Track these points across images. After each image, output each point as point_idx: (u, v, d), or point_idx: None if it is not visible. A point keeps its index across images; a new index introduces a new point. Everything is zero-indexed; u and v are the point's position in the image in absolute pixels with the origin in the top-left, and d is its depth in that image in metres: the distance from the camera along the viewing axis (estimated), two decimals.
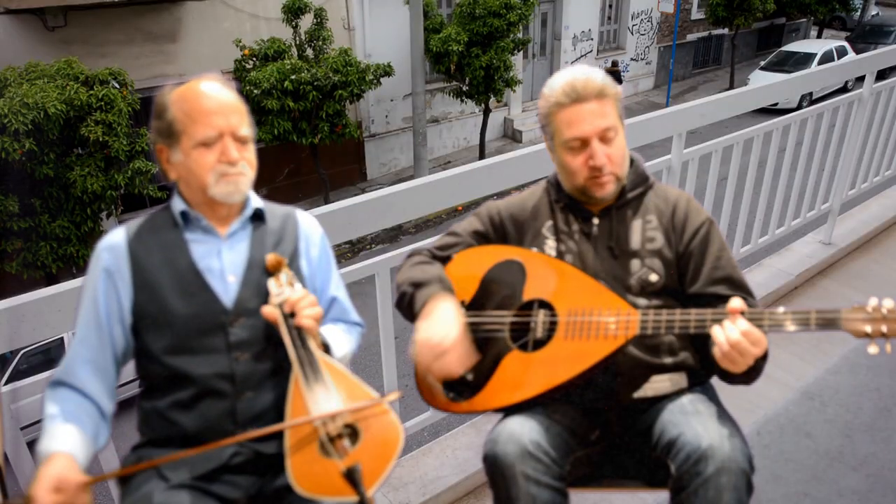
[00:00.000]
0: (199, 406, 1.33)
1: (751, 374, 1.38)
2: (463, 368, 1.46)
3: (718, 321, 1.32)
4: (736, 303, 1.29)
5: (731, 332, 1.27)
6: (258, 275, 1.39)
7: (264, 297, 1.36)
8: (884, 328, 1.20)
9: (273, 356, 1.38)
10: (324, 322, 1.47)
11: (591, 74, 1.47)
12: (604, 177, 1.47)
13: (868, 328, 1.21)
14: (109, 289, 1.34)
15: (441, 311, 1.46)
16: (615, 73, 16.37)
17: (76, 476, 1.20)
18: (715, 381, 1.59)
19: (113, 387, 1.37)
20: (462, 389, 1.51)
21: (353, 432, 1.26)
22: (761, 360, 1.34)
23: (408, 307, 1.55)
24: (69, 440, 1.25)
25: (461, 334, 1.45)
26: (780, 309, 1.30)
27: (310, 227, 1.53)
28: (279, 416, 1.33)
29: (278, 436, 1.31)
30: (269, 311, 1.32)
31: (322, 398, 1.28)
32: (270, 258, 1.37)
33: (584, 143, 1.46)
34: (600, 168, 1.46)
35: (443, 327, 1.43)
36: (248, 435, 1.29)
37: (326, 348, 1.41)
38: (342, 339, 1.49)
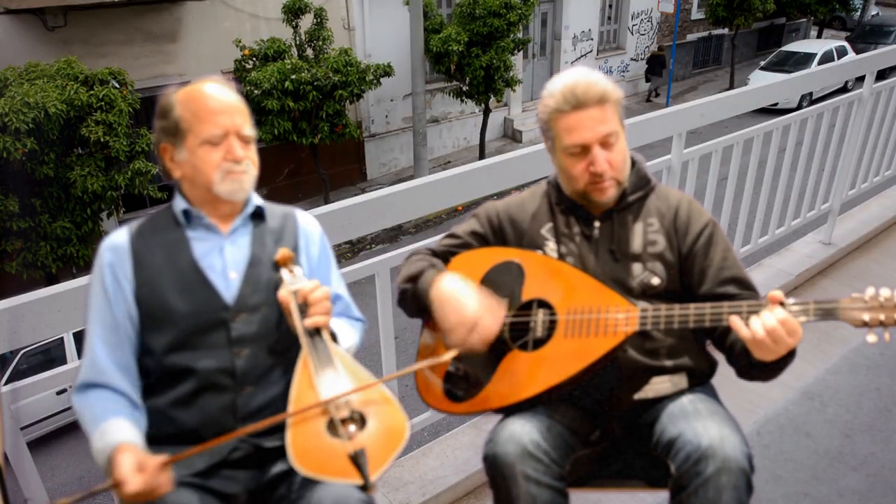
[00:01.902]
0: (198, 402, 1.34)
1: (774, 370, 1.36)
2: (499, 322, 1.44)
3: (718, 316, 1.32)
4: (775, 292, 1.27)
5: (767, 319, 1.24)
6: (259, 271, 1.41)
7: (265, 293, 1.38)
8: (882, 317, 1.20)
9: (273, 351, 1.39)
10: None
11: (591, 79, 1.46)
12: (605, 182, 1.47)
13: (866, 317, 1.21)
14: (116, 287, 1.36)
15: (448, 290, 1.46)
16: (661, 57, 16.75)
17: (154, 457, 1.20)
18: (715, 381, 1.59)
19: (137, 382, 1.38)
20: (463, 390, 1.51)
21: (361, 419, 1.28)
22: (790, 355, 1.31)
23: (412, 302, 1.55)
24: (127, 432, 1.26)
25: (477, 295, 1.45)
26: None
27: (309, 225, 1.55)
28: (279, 411, 1.33)
29: (279, 429, 1.31)
30: (283, 294, 1.35)
31: (331, 379, 1.29)
32: (282, 252, 1.40)
33: (586, 149, 1.45)
34: (601, 174, 1.46)
35: (459, 302, 1.43)
36: (252, 427, 1.30)
37: (334, 339, 1.43)
38: (347, 333, 1.51)
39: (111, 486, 1.18)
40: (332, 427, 1.25)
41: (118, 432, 1.26)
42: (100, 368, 1.33)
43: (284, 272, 1.39)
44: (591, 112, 1.43)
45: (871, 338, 1.21)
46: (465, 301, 1.43)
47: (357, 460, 1.20)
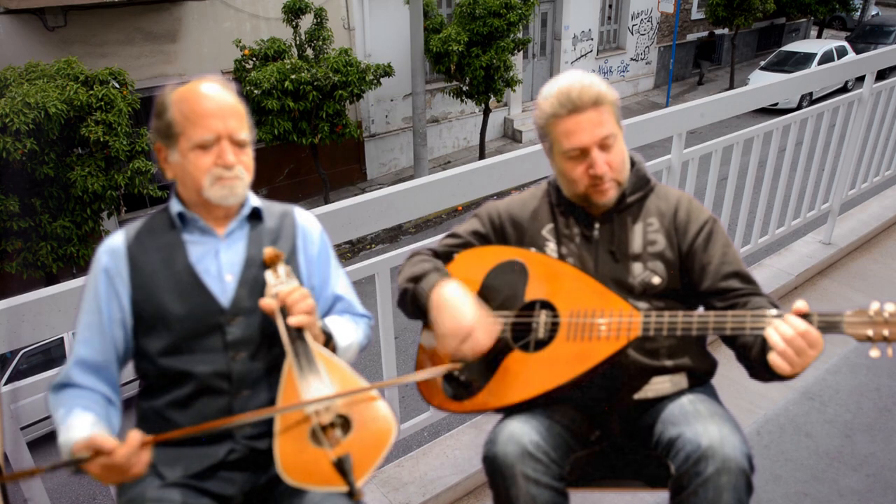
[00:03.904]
0: (195, 404, 1.34)
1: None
2: (492, 338, 1.45)
3: (722, 324, 1.32)
4: (800, 304, 1.26)
5: (785, 330, 1.24)
6: (256, 273, 1.39)
7: (262, 295, 1.36)
8: (885, 332, 1.20)
9: (270, 354, 1.38)
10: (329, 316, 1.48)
11: (586, 82, 1.45)
12: (605, 184, 1.47)
13: (870, 332, 1.21)
14: (110, 291, 1.35)
15: (449, 297, 1.46)
16: (711, 42, 17.68)
17: (135, 432, 1.20)
18: (715, 381, 1.59)
19: (116, 383, 1.38)
20: (464, 389, 1.51)
21: (345, 423, 1.27)
22: None
23: (412, 303, 1.55)
24: (88, 428, 1.26)
25: (475, 307, 1.45)
26: (774, 311, 1.30)
27: (308, 224, 1.52)
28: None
29: (272, 432, 1.31)
30: (267, 302, 1.32)
31: (315, 387, 1.28)
32: (268, 251, 1.37)
33: (584, 152, 1.45)
34: (601, 176, 1.45)
35: (457, 311, 1.43)
36: (240, 417, 1.30)
37: (329, 338, 1.41)
38: (348, 329, 1.49)
39: (91, 457, 1.16)
40: (315, 435, 1.24)
41: (79, 429, 1.25)
42: (75, 371, 1.34)
43: (268, 273, 1.36)
44: (588, 115, 1.43)
45: (875, 352, 1.20)
46: (463, 310, 1.43)
47: (341, 467, 1.19)
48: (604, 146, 1.45)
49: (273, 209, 1.49)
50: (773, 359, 1.25)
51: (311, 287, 1.47)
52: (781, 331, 1.24)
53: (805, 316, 1.25)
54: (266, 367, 1.38)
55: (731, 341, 1.46)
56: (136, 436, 1.19)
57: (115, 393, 1.38)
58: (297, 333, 1.33)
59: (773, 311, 1.30)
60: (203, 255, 1.38)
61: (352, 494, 1.19)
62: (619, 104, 1.51)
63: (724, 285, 1.47)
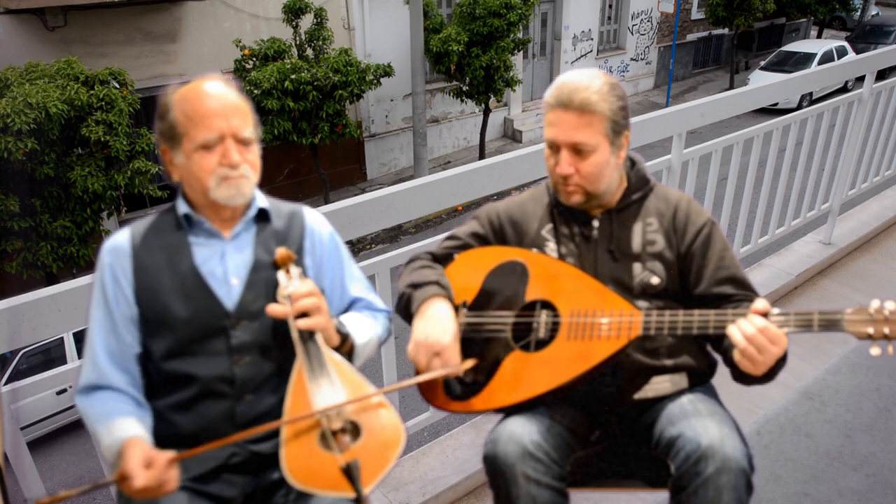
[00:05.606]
0: (197, 407, 1.33)
1: (768, 375, 1.35)
2: (458, 367, 1.45)
3: (722, 323, 1.32)
4: (759, 304, 1.28)
5: (746, 328, 1.26)
6: (262, 277, 1.37)
7: (268, 298, 1.35)
8: (886, 330, 1.20)
9: (274, 359, 1.37)
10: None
11: (583, 84, 1.43)
12: (569, 186, 1.47)
13: (870, 330, 1.21)
14: (117, 289, 1.34)
15: (436, 312, 1.46)
16: (751, 33, 18.41)
17: (162, 453, 1.20)
18: (715, 381, 1.59)
19: (139, 383, 1.37)
20: (464, 389, 1.51)
21: (354, 429, 1.26)
22: (781, 361, 1.31)
23: (405, 308, 1.55)
24: (135, 428, 1.26)
25: (455, 335, 1.46)
26: (776, 310, 1.30)
27: (317, 224, 1.50)
28: (278, 419, 1.31)
29: (275, 435, 1.31)
30: (277, 308, 1.31)
31: (326, 390, 1.27)
32: (280, 252, 1.35)
33: (556, 147, 1.46)
34: (564, 177, 1.46)
35: (438, 327, 1.44)
36: (249, 432, 1.29)
37: (345, 338, 1.40)
38: (364, 325, 1.48)
39: (117, 480, 1.16)
40: (324, 439, 1.23)
41: (126, 428, 1.26)
42: (102, 371, 1.32)
43: (280, 274, 1.35)
44: (570, 116, 1.43)
45: (875, 350, 1.20)
46: (446, 328, 1.44)
47: (350, 473, 1.19)
48: (578, 151, 1.44)
49: (281, 209, 1.47)
50: (736, 356, 1.28)
51: (321, 289, 1.44)
52: (742, 328, 1.26)
53: (765, 315, 1.27)
54: (270, 372, 1.37)
55: (716, 345, 1.47)
56: (161, 457, 1.19)
57: (140, 394, 1.36)
58: (308, 335, 1.31)
59: (736, 310, 1.31)
60: (209, 257, 1.36)
61: (359, 501, 1.18)
62: (616, 119, 1.45)
63: (717, 291, 1.48)
